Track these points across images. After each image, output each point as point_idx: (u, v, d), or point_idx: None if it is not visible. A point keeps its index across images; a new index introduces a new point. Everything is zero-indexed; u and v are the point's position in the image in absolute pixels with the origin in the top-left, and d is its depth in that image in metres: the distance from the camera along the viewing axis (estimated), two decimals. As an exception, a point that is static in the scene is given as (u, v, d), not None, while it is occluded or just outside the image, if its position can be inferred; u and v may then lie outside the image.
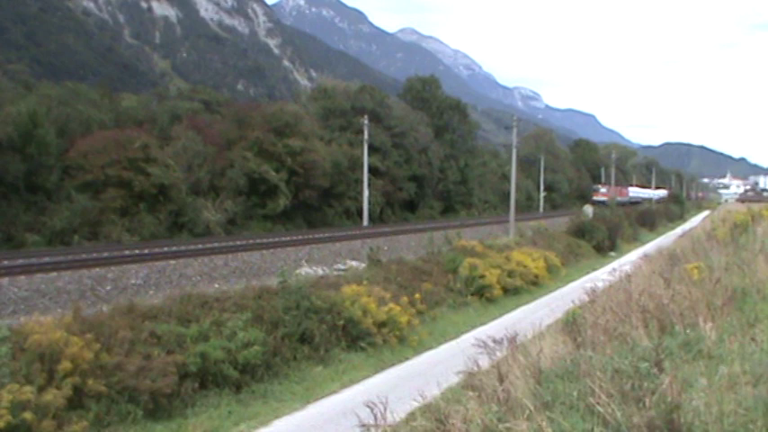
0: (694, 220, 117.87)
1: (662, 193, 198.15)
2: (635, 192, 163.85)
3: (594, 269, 52.45)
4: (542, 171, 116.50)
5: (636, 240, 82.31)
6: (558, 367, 10.69)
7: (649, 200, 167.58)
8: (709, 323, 11.03)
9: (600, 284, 22.32)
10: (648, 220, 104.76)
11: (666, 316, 12.31)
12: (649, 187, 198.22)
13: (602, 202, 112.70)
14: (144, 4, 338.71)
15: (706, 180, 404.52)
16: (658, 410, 6.99)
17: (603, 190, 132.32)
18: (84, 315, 18.61)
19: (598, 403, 7.45)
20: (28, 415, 14.20)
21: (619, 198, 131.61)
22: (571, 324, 15.63)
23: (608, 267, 43.03)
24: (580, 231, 66.28)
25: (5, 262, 28.81)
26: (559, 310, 22.00)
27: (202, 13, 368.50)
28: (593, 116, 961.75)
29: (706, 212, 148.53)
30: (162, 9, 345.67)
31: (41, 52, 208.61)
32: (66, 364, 15.79)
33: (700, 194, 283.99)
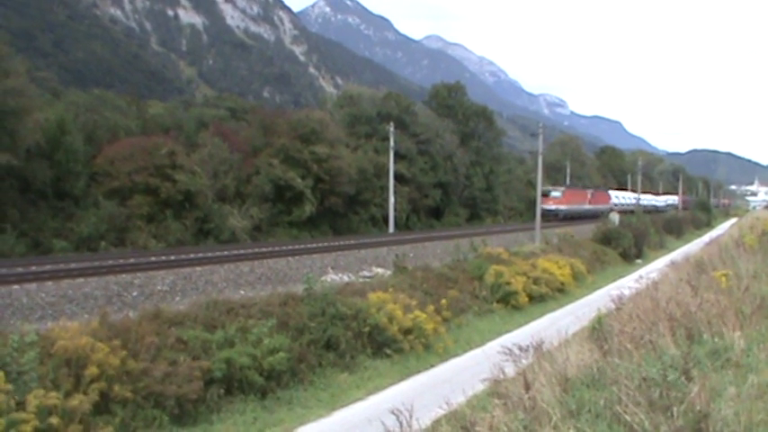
0: (721, 228, 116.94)
1: (671, 199, 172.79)
2: (623, 197, 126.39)
3: (621, 276, 52.18)
4: (568, 178, 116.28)
5: (662, 247, 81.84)
6: (585, 375, 10.63)
7: (652, 209, 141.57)
8: (737, 331, 10.94)
9: (626, 292, 22.19)
10: (675, 227, 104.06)
11: (694, 324, 12.21)
12: (655, 192, 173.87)
13: (553, 213, 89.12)
14: (170, 12, 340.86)
15: (733, 187, 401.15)
16: (687, 420, 6.93)
17: (557, 194, 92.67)
18: (110, 321, 18.70)
19: (625, 412, 7.40)
20: (55, 420, 14.26)
21: (589, 207, 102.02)
22: (597, 331, 15.54)
23: (634, 275, 42.78)
24: (606, 238, 66.00)
25: (33, 268, 28.99)
26: (585, 317, 21.88)
27: (228, 20, 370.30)
28: (619, 123, 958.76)
29: (733, 220, 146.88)
30: (188, 17, 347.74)
31: (69, 60, 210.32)
32: (92, 370, 15.85)
33: (726, 201, 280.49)
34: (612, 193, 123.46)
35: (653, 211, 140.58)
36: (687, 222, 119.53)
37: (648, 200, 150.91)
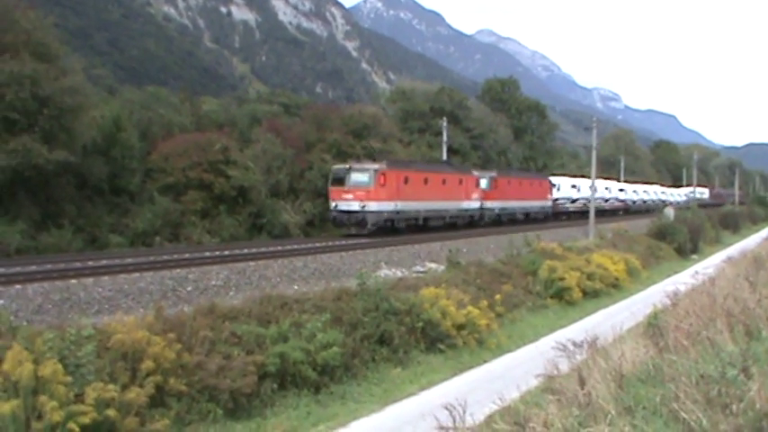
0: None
1: (697, 192, 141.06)
2: (611, 189, 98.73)
3: (676, 272, 51.58)
4: (622, 172, 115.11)
5: (718, 243, 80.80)
6: (640, 372, 10.55)
7: (661, 204, 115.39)
8: (797, 328, 10.78)
9: (682, 287, 21.96)
10: (731, 221, 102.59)
11: (753, 320, 12.06)
12: (672, 184, 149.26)
13: (356, 217, 47.51)
14: (223, 9, 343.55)
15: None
16: (746, 418, 6.84)
17: (363, 179, 47.70)
18: (165, 315, 18.86)
19: (682, 409, 7.33)
20: (112, 412, 14.42)
21: (529, 204, 72.42)
22: (653, 327, 15.40)
23: (690, 270, 42.37)
24: (661, 233, 65.29)
25: (90, 263, 29.35)
26: (640, 313, 21.73)
27: (281, 16, 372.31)
28: (673, 117, 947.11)
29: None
30: (241, 13, 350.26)
31: (124, 58, 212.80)
32: (148, 363, 16.00)
33: None
34: (565, 181, 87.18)
35: (660, 207, 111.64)
36: (744, 217, 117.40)
37: (654, 193, 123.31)
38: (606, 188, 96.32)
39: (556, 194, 79.78)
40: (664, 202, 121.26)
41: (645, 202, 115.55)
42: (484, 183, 62.22)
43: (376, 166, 48.21)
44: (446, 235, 50.21)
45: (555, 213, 79.91)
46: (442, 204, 55.23)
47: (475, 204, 60.10)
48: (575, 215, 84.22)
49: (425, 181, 52.54)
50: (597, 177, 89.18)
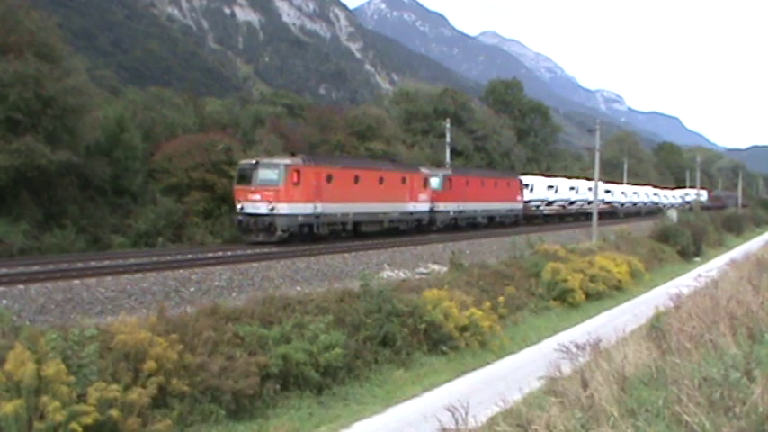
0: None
1: (692, 193, 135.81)
2: (561, 189, 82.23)
3: (679, 275, 51.59)
4: (625, 175, 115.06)
5: (721, 245, 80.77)
6: (643, 374, 10.55)
7: (654, 207, 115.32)
8: (800, 331, 10.78)
9: (685, 290, 21.97)
10: (735, 224, 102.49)
11: (756, 323, 12.06)
12: (666, 185, 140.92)
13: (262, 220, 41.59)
14: (227, 10, 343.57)
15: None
16: (749, 421, 6.84)
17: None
18: (168, 316, 18.89)
19: (685, 412, 7.32)
20: (114, 412, 14.46)
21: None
22: (656, 330, 15.40)
23: (693, 273, 42.41)
24: (664, 236, 65.27)
25: (93, 263, 29.38)
26: (643, 315, 21.75)
27: (285, 18, 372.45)
28: (677, 119, 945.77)
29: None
30: (245, 14, 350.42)
31: (127, 58, 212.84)
32: (150, 364, 16.03)
33: None
34: (540, 181, 78.78)
35: (654, 210, 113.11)
36: (747, 220, 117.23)
37: (645, 195, 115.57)
38: (590, 189, 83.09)
39: (528, 196, 71.94)
40: (656, 204, 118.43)
41: (635, 204, 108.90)
42: (435, 182, 54.49)
43: (288, 161, 40.86)
44: (449, 236, 50.20)
45: (527, 217, 71.57)
46: (379, 206, 47.55)
47: (422, 207, 52.28)
48: (553, 219, 79.46)
49: (356, 179, 45.07)
50: (582, 178, 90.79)
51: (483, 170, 72.70)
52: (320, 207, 41.52)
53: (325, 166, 43.12)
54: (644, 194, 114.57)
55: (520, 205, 68.26)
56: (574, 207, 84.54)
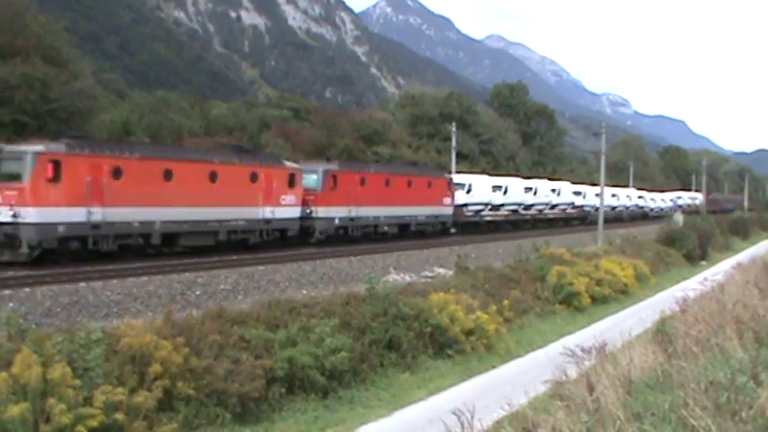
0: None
1: (685, 197, 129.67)
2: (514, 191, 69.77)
3: (685, 278, 51.47)
4: (631, 178, 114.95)
5: (728, 249, 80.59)
6: (649, 378, 10.54)
7: (638, 211, 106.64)
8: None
9: (691, 294, 21.94)
10: (741, 228, 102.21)
11: (762, 327, 12.04)
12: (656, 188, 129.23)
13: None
14: (233, 14, 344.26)
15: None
16: (756, 425, 6.83)
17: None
18: (174, 319, 18.91)
19: (691, 416, 7.31)
20: (120, 415, 14.49)
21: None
22: (662, 334, 15.40)
23: (699, 276, 42.27)
24: (670, 239, 65.16)
25: (99, 266, 29.40)
26: (649, 319, 21.74)
27: (290, 21, 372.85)
28: (683, 122, 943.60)
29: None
30: (251, 18, 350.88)
31: (134, 62, 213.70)
32: (156, 367, 16.05)
33: None
34: (482, 181, 65.46)
35: (638, 216, 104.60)
36: (754, 223, 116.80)
37: (627, 198, 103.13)
38: (553, 190, 78.37)
39: (464, 198, 60.09)
40: (642, 208, 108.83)
41: (614, 209, 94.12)
42: (311, 180, 42.82)
43: (40, 147, 29.74)
44: (455, 240, 50.21)
45: (461, 224, 60.14)
46: (207, 212, 35.48)
47: (288, 212, 40.69)
48: (506, 226, 67.55)
49: (166, 175, 33.60)
50: (562, 182, 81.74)
51: (390, 165, 56.57)
52: (98, 212, 30.32)
53: (103, 155, 30.92)
54: (625, 197, 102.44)
55: (448, 210, 56.02)
56: (530, 212, 73.07)
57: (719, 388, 7.97)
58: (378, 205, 47.07)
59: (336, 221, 43.68)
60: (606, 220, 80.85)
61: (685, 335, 12.90)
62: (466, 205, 60.43)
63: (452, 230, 57.23)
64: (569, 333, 31.84)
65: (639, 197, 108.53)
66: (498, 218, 66.78)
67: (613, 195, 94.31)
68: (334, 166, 44.86)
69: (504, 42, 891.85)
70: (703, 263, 64.56)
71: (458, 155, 69.73)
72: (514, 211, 69.29)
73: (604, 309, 38.81)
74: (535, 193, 73.38)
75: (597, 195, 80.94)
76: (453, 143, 67.92)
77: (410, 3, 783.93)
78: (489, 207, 64.73)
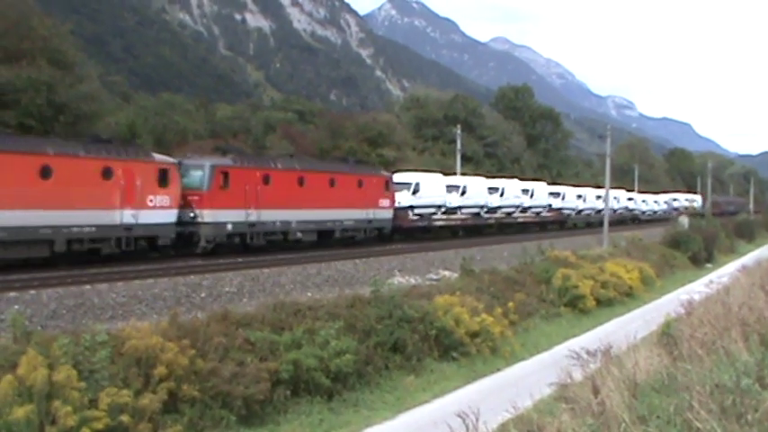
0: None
1: (680, 199, 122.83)
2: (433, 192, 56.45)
3: (690, 281, 51.42)
4: (636, 181, 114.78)
5: (733, 252, 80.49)
6: (654, 380, 10.53)
7: (628, 214, 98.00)
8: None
9: (696, 296, 21.92)
10: (746, 230, 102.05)
11: (768, 330, 12.02)
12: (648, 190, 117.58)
13: None
14: (238, 16, 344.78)
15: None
16: (761, 428, 6.82)
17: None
18: (179, 321, 18.93)
19: (696, 419, 7.30)
20: (125, 418, 14.52)
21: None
22: (667, 336, 15.39)
23: (704, 279, 42.27)
24: (675, 242, 65.08)
25: (104, 268, 29.44)
26: (654, 322, 21.70)
27: (295, 24, 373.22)
28: (688, 125, 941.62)
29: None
30: (255, 21, 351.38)
31: (139, 64, 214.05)
32: (161, 369, 16.07)
33: None
34: (432, 180, 56.94)
35: (626, 219, 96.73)
36: (759, 226, 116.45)
37: (614, 200, 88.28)
38: (525, 191, 70.54)
39: (409, 200, 52.80)
40: (631, 211, 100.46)
41: (598, 212, 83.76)
42: (195, 178, 35.95)
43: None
44: (460, 242, 50.19)
45: (406, 230, 52.97)
46: (38, 216, 28.45)
47: (159, 216, 33.68)
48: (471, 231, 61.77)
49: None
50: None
51: (306, 161, 47.76)
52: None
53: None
54: (612, 199, 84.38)
55: (386, 213, 48.81)
56: (495, 216, 65.12)
57: (725, 391, 7.96)
58: (288, 208, 39.96)
59: (229, 227, 36.33)
60: (590, 224, 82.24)
61: (691, 338, 12.89)
62: (412, 208, 53.03)
63: (396, 237, 51.13)
64: (574, 336, 31.79)
65: (629, 199, 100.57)
66: (454, 222, 59.50)
67: (598, 197, 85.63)
68: (226, 161, 37.60)
69: (509, 45, 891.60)
70: (709, 265, 64.48)
71: (463, 157, 69.71)
72: (477, 215, 61.95)
73: (609, 311, 38.76)
74: (502, 195, 65.44)
75: (579, 197, 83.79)
76: (458, 146, 67.90)
77: (415, 5, 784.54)
78: (443, 210, 57.19)
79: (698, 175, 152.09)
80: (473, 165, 77.97)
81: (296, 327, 21.04)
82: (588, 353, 13.73)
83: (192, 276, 28.36)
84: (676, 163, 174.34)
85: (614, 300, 40.68)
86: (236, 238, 37.33)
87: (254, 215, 37.42)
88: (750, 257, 57.86)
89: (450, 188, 58.17)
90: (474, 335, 26.60)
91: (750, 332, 12.04)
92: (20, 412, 13.29)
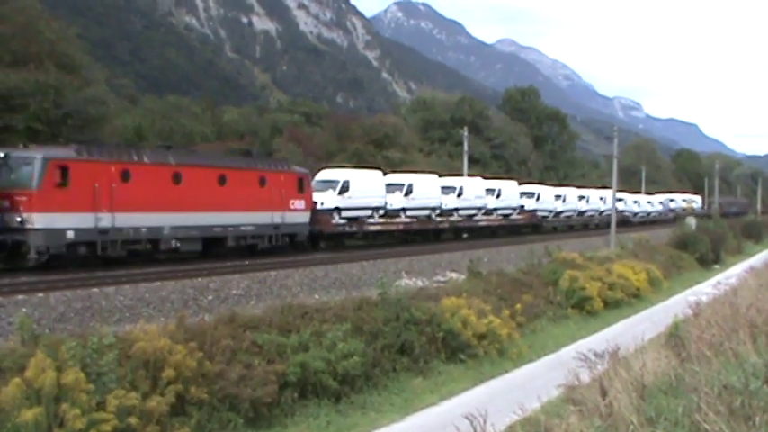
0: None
1: (677, 199, 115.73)
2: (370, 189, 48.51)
3: (698, 282, 51.27)
4: (643, 182, 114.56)
5: (741, 253, 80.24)
6: (662, 382, 10.52)
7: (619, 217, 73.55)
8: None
9: (704, 298, 21.89)
10: (754, 231, 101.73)
11: (776, 331, 11.99)
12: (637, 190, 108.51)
13: None
14: (244, 19, 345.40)
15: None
16: (769, 430, 6.81)
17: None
18: (187, 324, 18.94)
19: (705, 420, 7.29)
20: (133, 420, 14.53)
21: None
22: (675, 338, 15.36)
23: (712, 280, 42.18)
24: (682, 243, 64.89)
25: (111, 271, 29.47)
26: (662, 323, 21.66)
27: (302, 26, 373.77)
28: (695, 126, 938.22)
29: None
30: (262, 23, 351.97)
31: (146, 67, 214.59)
32: (169, 372, 16.08)
33: None
34: (362, 177, 48.87)
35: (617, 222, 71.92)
36: (767, 227, 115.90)
37: (600, 201, 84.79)
38: (490, 191, 62.93)
39: (335, 201, 45.33)
40: (621, 213, 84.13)
41: (581, 213, 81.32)
42: (23, 174, 28.95)
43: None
44: (467, 244, 50.13)
45: (329, 236, 46.09)
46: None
47: (301, 217, 38.04)
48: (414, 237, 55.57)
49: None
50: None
51: (185, 154, 38.89)
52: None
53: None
54: (597, 200, 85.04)
55: (300, 217, 41.31)
56: (451, 219, 57.47)
57: (733, 392, 7.94)
58: (158, 211, 32.74)
59: (69, 234, 29.17)
60: (571, 228, 78.33)
61: (698, 339, 12.87)
62: (338, 210, 45.67)
63: (320, 245, 45.17)
64: (582, 337, 31.74)
65: (620, 200, 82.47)
66: (394, 227, 51.62)
67: (581, 198, 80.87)
68: (65, 152, 30.55)
69: (516, 46, 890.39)
70: (716, 266, 64.30)
71: (470, 159, 69.67)
72: (428, 218, 54.37)
73: (617, 313, 38.68)
74: (459, 195, 57.87)
75: (558, 197, 75.92)
76: (465, 147, 67.83)
77: (421, 7, 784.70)
78: (381, 213, 49.79)
79: (705, 176, 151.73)
80: (480, 167, 77.89)
81: (303, 329, 21.04)
82: (596, 354, 13.73)
83: (199, 279, 28.40)
84: (683, 164, 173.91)
85: (622, 301, 40.59)
86: (82, 248, 30.03)
87: (106, 219, 30.31)
88: (758, 258, 57.78)
89: (392, 187, 51.19)
90: (481, 337, 26.55)
91: (758, 333, 12.02)
92: (28, 415, 13.31)
